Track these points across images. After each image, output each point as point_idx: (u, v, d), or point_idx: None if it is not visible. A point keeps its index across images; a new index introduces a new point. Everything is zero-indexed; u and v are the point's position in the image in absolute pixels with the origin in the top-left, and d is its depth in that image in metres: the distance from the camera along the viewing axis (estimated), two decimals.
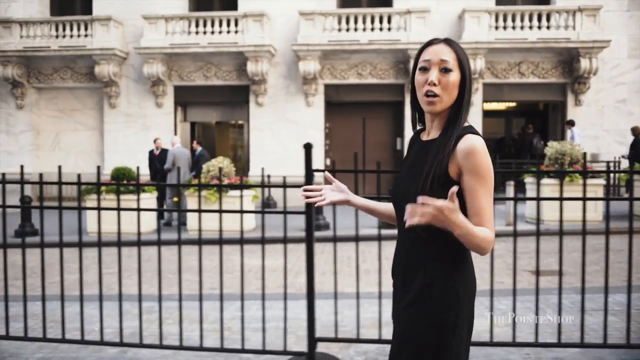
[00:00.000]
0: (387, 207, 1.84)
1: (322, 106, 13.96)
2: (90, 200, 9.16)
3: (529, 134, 13.25)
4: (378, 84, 13.80)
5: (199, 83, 14.15)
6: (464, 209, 1.47)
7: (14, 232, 9.27)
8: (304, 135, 13.92)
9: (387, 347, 2.17)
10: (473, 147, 1.46)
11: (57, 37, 14.04)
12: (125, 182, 9.80)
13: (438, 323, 1.50)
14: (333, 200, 1.80)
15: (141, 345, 3.70)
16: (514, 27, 12.93)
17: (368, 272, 6.18)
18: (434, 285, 1.50)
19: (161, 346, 3.71)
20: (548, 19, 12.86)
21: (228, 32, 13.54)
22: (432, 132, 1.59)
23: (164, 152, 11.32)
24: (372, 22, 13.23)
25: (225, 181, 9.82)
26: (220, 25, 13.61)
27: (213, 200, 9.51)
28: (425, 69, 1.54)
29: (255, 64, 13.29)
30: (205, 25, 13.62)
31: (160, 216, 10.98)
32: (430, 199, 1.32)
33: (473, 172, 1.46)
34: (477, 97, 13.55)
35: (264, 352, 3.43)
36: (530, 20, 12.90)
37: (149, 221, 9.67)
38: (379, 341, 3.39)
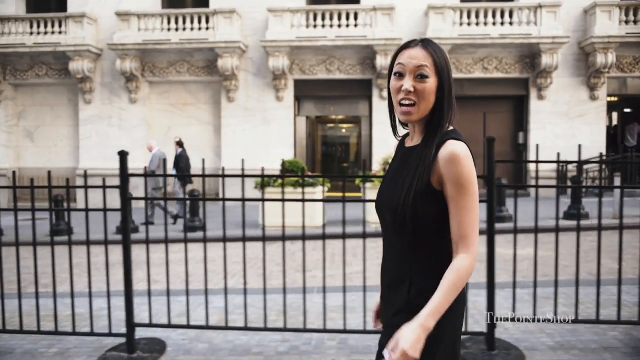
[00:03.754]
0: None
1: None
2: (268, 194, 9.06)
3: None
4: (502, 78, 13.83)
5: (321, 77, 14.05)
6: (446, 216, 1.42)
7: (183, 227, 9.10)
8: None
9: None
10: (454, 154, 1.38)
11: (177, 30, 13.84)
12: (295, 175, 9.70)
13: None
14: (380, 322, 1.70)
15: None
16: None
17: None
18: (418, 299, 1.42)
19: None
20: None
21: (356, 25, 13.47)
22: (415, 138, 1.53)
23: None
24: (502, 16, 13.27)
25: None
26: (348, 18, 13.53)
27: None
28: (400, 75, 1.45)
29: (385, 57, 13.24)
30: (332, 19, 13.54)
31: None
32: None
33: (454, 181, 1.37)
34: (602, 92, 13.68)
35: None
36: None
37: (319, 216, 9.41)
38: None
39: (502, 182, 8.81)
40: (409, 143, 1.55)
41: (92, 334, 3.68)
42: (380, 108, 14.03)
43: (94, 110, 14.65)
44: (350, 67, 13.95)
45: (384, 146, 13.92)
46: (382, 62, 13.25)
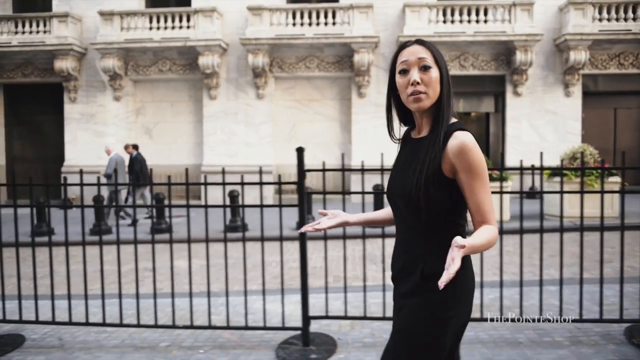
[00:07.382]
0: (386, 212, 1.85)
1: (579, 97, 13.93)
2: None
3: None
4: (637, 74, 13.82)
5: (454, 72, 13.93)
6: (462, 202, 1.51)
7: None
8: (562, 125, 13.89)
9: None
10: (464, 144, 1.45)
11: (310, 24, 13.66)
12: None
13: (433, 315, 1.50)
14: (330, 225, 1.84)
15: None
16: None
17: None
18: (431, 278, 1.49)
19: None
20: None
21: (494, 21, 13.38)
22: (422, 130, 1.60)
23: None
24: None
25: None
26: (486, 14, 13.44)
27: (595, 186, 9.35)
28: (405, 71, 1.54)
29: (524, 54, 13.18)
30: (469, 14, 13.45)
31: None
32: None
33: (467, 169, 1.45)
34: None
35: None
36: None
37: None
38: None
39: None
40: (415, 135, 1.63)
41: (264, 327, 3.64)
42: (513, 105, 13.97)
43: (218, 106, 14.43)
44: (485, 63, 13.86)
45: (516, 143, 13.88)
46: (521, 57, 13.18)
